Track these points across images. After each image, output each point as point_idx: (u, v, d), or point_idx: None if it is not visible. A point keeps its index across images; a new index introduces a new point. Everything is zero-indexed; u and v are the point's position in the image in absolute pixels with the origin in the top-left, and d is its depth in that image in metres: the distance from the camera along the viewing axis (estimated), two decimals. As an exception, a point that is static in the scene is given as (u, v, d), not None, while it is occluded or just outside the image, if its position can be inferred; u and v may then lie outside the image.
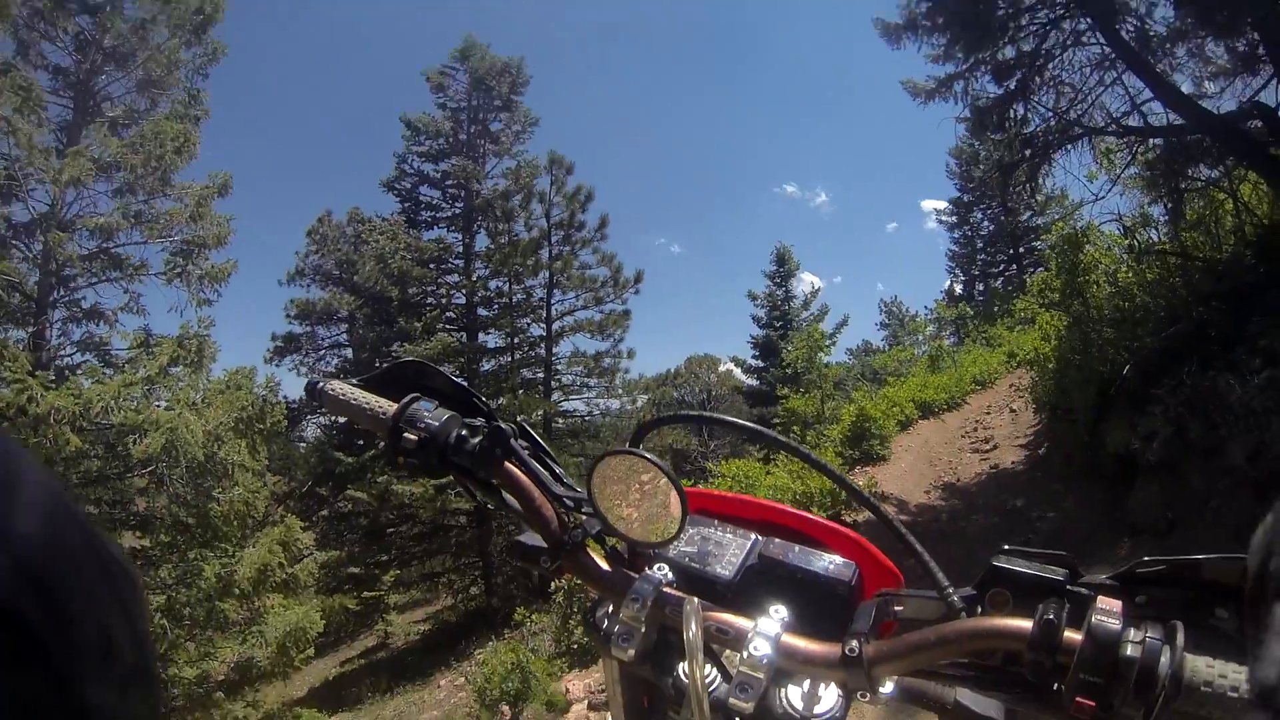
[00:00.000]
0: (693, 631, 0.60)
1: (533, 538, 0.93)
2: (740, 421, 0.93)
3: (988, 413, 13.78)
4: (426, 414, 0.95)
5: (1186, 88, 7.86)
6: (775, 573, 0.90)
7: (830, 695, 0.79)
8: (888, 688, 0.77)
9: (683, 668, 0.75)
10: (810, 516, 0.99)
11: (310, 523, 16.81)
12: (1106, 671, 0.56)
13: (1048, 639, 0.60)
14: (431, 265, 19.16)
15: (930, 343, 22.78)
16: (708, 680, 0.79)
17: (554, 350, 20.18)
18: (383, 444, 0.97)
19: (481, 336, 20.01)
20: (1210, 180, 7.95)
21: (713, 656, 0.84)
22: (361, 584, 16.98)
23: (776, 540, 0.94)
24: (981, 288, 33.94)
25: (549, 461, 0.95)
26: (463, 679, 9.87)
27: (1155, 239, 8.57)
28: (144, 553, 9.25)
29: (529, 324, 20.20)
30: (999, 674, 0.68)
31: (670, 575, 0.85)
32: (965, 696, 0.79)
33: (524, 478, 0.92)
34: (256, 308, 73.09)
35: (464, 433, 0.93)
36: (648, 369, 31.94)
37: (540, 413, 18.50)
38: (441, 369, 1.05)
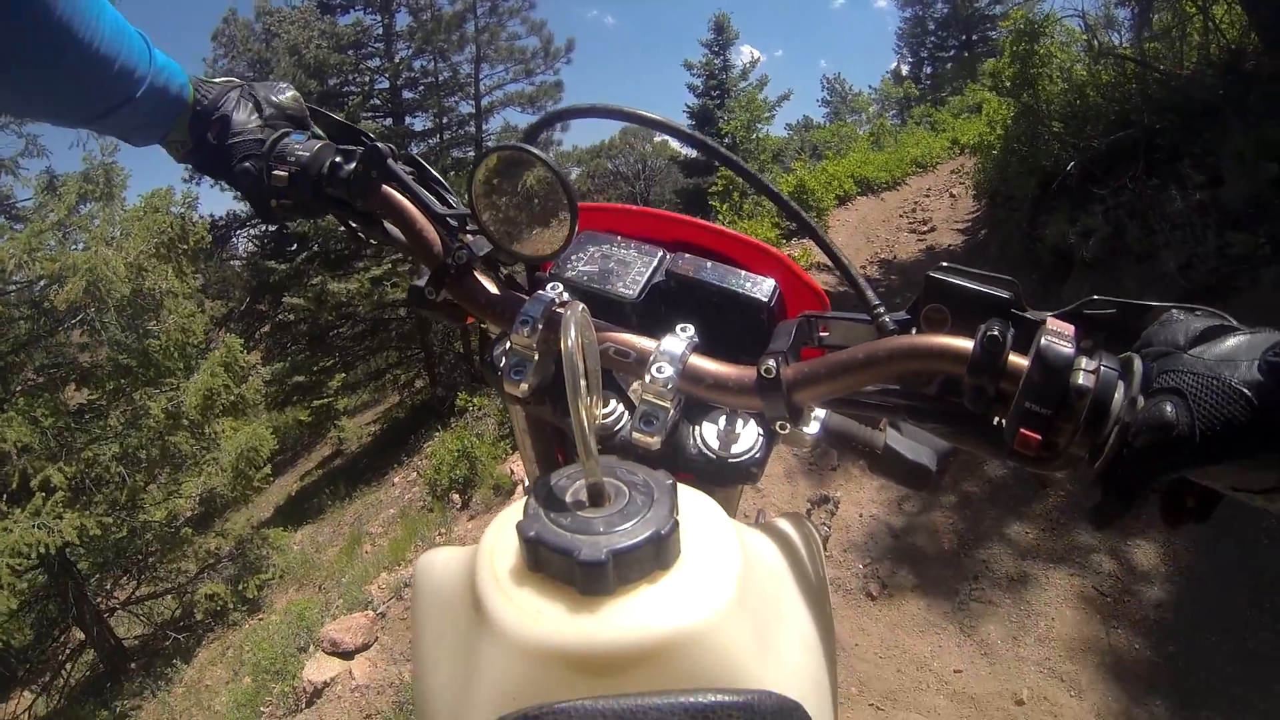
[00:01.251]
0: (571, 339, 0.49)
1: (424, 279, 0.82)
2: (660, 118, 0.79)
3: (927, 195, 13.77)
4: (298, 146, 0.86)
5: None
6: (685, 291, 0.82)
7: (750, 434, 0.73)
8: (812, 427, 0.73)
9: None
10: (728, 231, 0.89)
11: (254, 340, 16.57)
12: (1054, 401, 0.49)
13: (991, 360, 0.52)
14: (350, 51, 17.64)
15: (873, 121, 22.42)
16: (612, 416, 0.73)
17: (484, 127, 19.22)
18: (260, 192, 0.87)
19: (408, 120, 18.90)
20: None
21: (616, 389, 0.78)
22: (310, 393, 16.96)
23: (687, 255, 0.84)
24: (929, 71, 33.34)
25: (435, 186, 0.86)
26: (415, 474, 9.88)
27: (1117, 42, 8.30)
28: (91, 405, 9.04)
29: (457, 102, 19.15)
30: (935, 403, 0.61)
31: (565, 294, 0.73)
32: (896, 441, 0.77)
33: (404, 201, 0.83)
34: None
35: (338, 159, 0.84)
36: (581, 142, 30.92)
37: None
38: (329, 113, 0.96)
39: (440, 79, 18.60)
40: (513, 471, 6.27)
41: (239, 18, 18.73)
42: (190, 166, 0.97)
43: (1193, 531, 3.62)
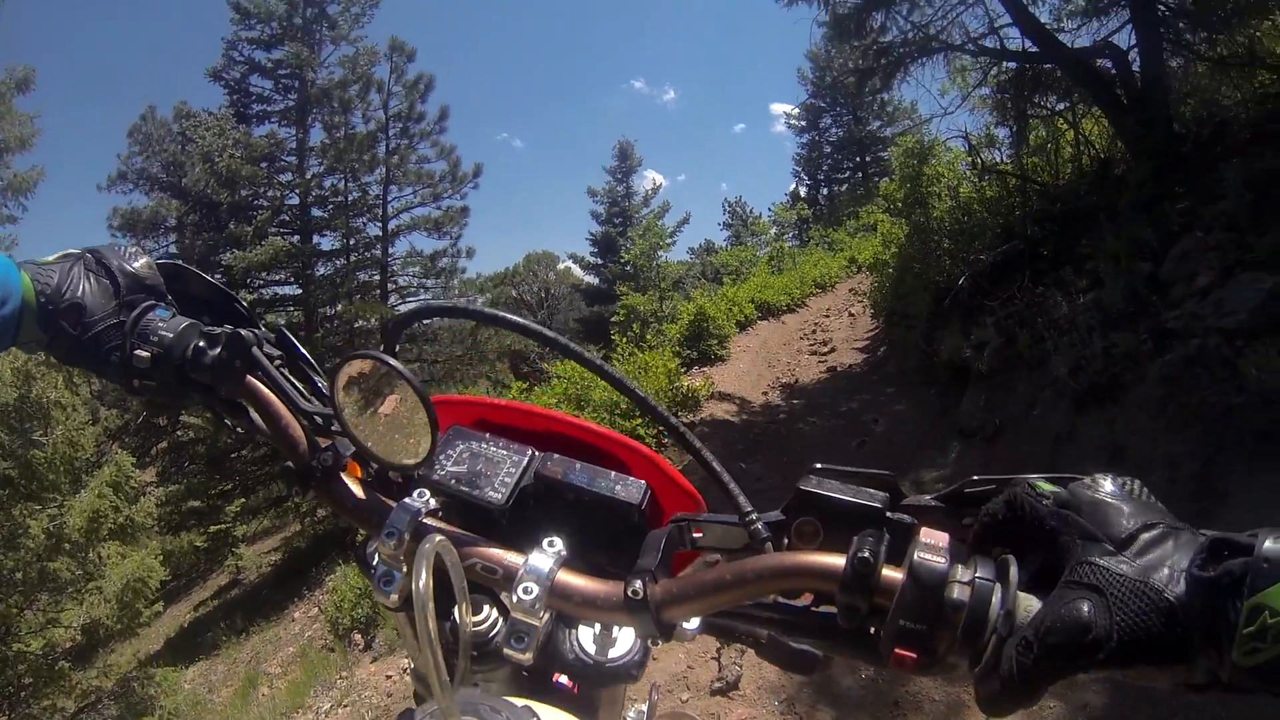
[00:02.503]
0: (422, 582, 0.48)
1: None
2: (503, 315, 0.79)
3: (827, 315, 14.37)
4: (161, 325, 0.82)
5: (1044, 18, 8.15)
6: (554, 494, 0.81)
7: (626, 636, 0.74)
8: (692, 623, 0.70)
9: (455, 614, 0.65)
10: (598, 429, 0.88)
11: (149, 457, 15.88)
12: (930, 616, 0.50)
13: (862, 579, 0.53)
14: (264, 164, 17.57)
15: (772, 245, 23.41)
16: (485, 624, 0.74)
17: (390, 250, 19.29)
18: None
19: (316, 238, 18.70)
20: (1056, 110, 8.34)
21: (492, 597, 0.77)
22: (207, 518, 16.05)
23: (556, 456, 0.83)
24: (826, 192, 35.19)
25: (308, 371, 0.85)
26: (316, 609, 9.54)
27: (998, 159, 9.04)
28: None
29: (365, 223, 19.12)
30: (808, 617, 0.60)
31: (432, 502, 0.74)
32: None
33: (269, 395, 0.81)
34: (72, 219, 64.50)
35: (202, 344, 0.81)
36: (486, 268, 31.21)
37: (376, 317, 17.73)
38: (198, 271, 0.92)
39: (349, 198, 18.66)
40: None
41: (157, 115, 18.69)
42: (55, 359, 0.88)
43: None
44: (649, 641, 0.66)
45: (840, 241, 21.62)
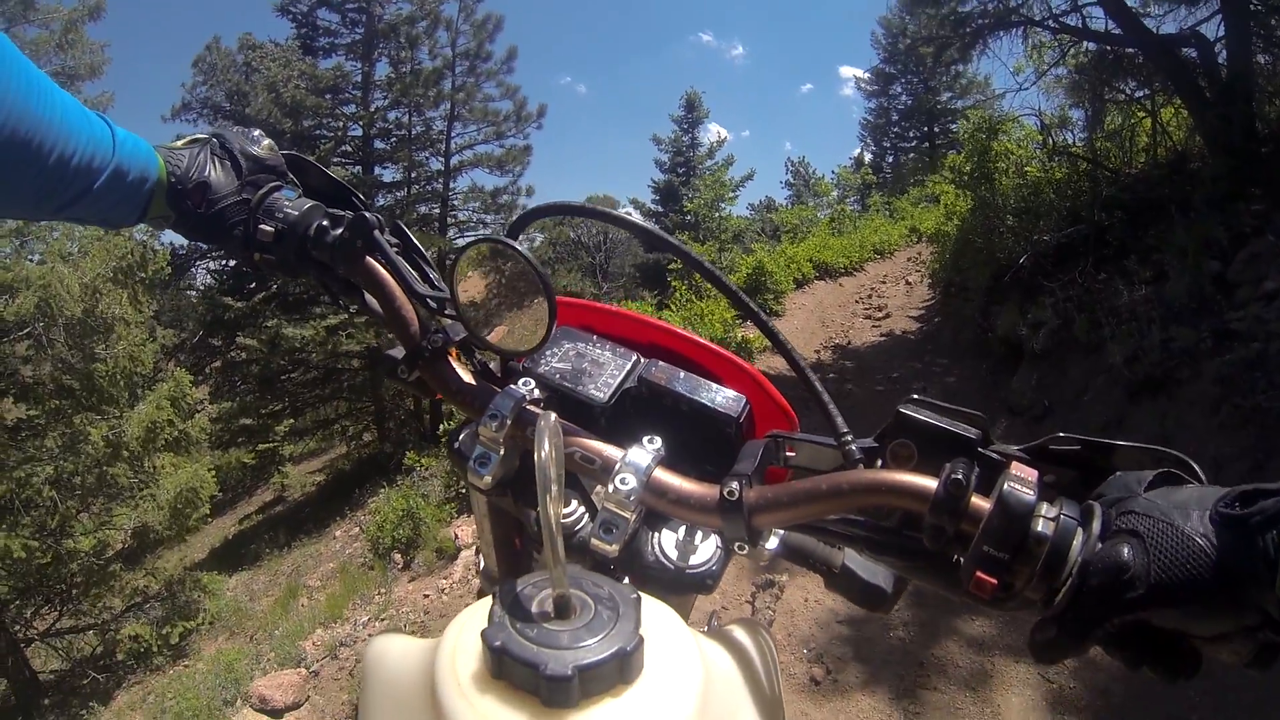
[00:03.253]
0: (545, 451, 0.50)
1: (399, 349, 0.82)
2: (636, 221, 0.84)
3: (883, 282, 14.08)
4: (286, 203, 0.87)
5: (1131, 1, 7.79)
6: (656, 400, 0.84)
7: (708, 546, 0.74)
8: (771, 543, 0.74)
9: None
10: (704, 342, 0.91)
11: (203, 375, 16.24)
12: (1013, 546, 0.50)
13: (953, 502, 0.53)
14: (328, 95, 17.69)
15: (834, 206, 22.98)
16: (572, 517, 0.74)
17: (451, 185, 19.36)
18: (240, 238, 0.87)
19: (377, 170, 18.89)
20: (1134, 97, 8.05)
21: (580, 491, 0.77)
22: (256, 436, 16.54)
23: (661, 364, 0.86)
24: (891, 160, 34.14)
25: (420, 261, 0.86)
26: (357, 529, 9.76)
27: (1070, 141, 8.67)
28: (29, 422, 8.68)
29: (427, 158, 19.22)
30: (893, 537, 0.61)
31: (536, 392, 0.75)
32: (854, 561, 0.77)
33: (386, 275, 0.82)
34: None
35: (325, 223, 0.83)
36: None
37: (435, 250, 17.91)
38: (318, 164, 0.96)
39: (413, 133, 18.75)
40: (456, 536, 6.11)
41: (221, 46, 18.82)
42: (180, 235, 0.93)
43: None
44: (735, 547, 0.66)
45: (901, 210, 21.09)
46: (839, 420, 0.69)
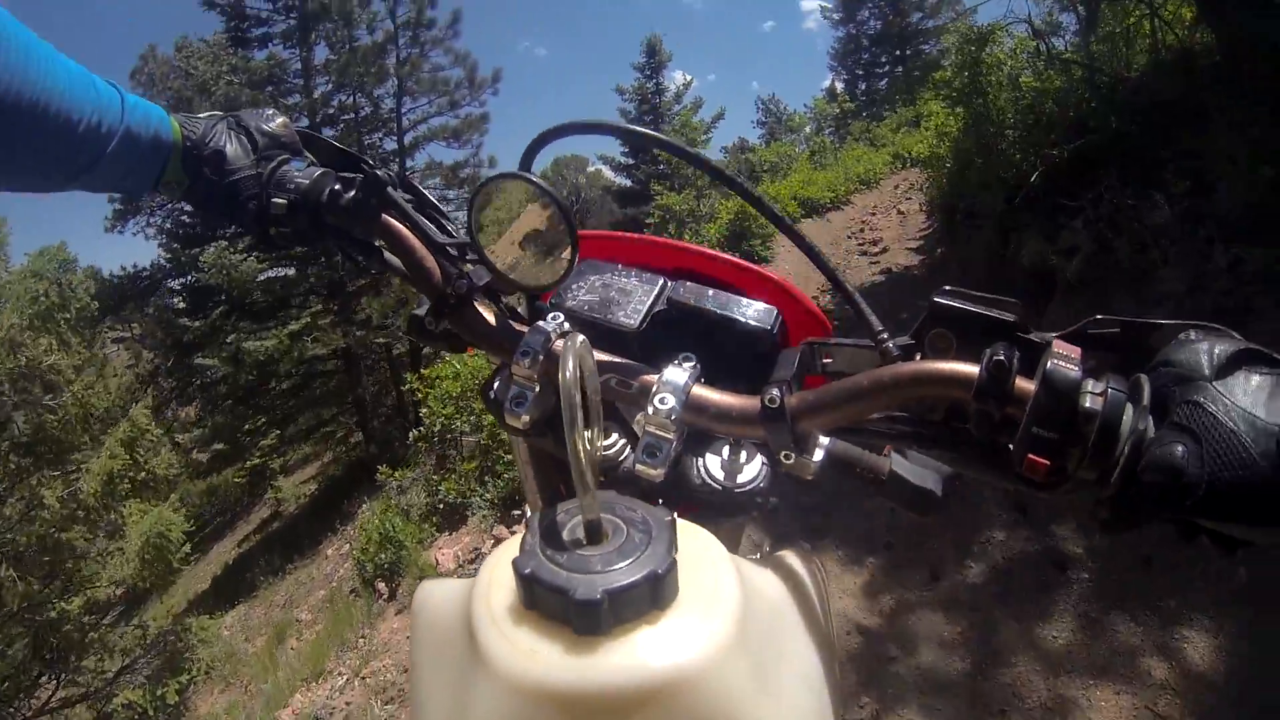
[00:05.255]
0: (569, 370, 0.46)
1: (424, 307, 0.79)
2: (658, 135, 0.76)
3: (874, 213, 13.32)
4: (297, 174, 0.84)
5: None
6: (687, 320, 0.81)
7: (754, 465, 0.72)
8: (817, 455, 0.66)
9: (587, 436, 0.53)
10: (727, 257, 0.89)
11: (188, 395, 15.90)
12: (1062, 425, 0.48)
13: (997, 384, 0.51)
14: (268, 88, 16.71)
15: (811, 140, 22.25)
16: (613, 447, 0.73)
17: (409, 164, 18.60)
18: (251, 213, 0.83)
19: None
20: None
21: (620, 423, 0.75)
22: (244, 452, 16.07)
23: (688, 284, 0.83)
24: (864, 87, 33.55)
25: (436, 215, 0.83)
26: (348, 544, 9.44)
27: (1063, 49, 7.94)
28: None
29: (381, 139, 18.37)
30: (940, 430, 0.59)
31: (566, 325, 0.71)
32: (900, 465, 0.73)
33: (404, 230, 0.81)
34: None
35: (337, 187, 0.82)
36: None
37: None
38: (328, 139, 0.92)
39: (361, 115, 17.91)
40: (438, 561, 5.85)
41: (159, 55, 17.80)
42: (190, 205, 0.93)
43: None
44: (781, 457, 0.63)
45: (882, 137, 20.30)
46: (873, 319, 0.66)
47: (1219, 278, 4.17)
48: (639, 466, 0.62)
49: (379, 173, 0.81)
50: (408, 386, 8.30)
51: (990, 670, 3.13)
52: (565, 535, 0.50)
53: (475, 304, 0.78)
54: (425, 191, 0.84)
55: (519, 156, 0.76)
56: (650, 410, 0.62)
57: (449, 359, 7.04)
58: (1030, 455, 0.48)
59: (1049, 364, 0.49)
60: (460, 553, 5.85)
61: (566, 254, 0.69)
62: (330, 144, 0.92)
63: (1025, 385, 0.51)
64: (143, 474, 8.81)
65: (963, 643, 3.30)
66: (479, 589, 0.49)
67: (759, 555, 0.95)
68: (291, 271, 15.68)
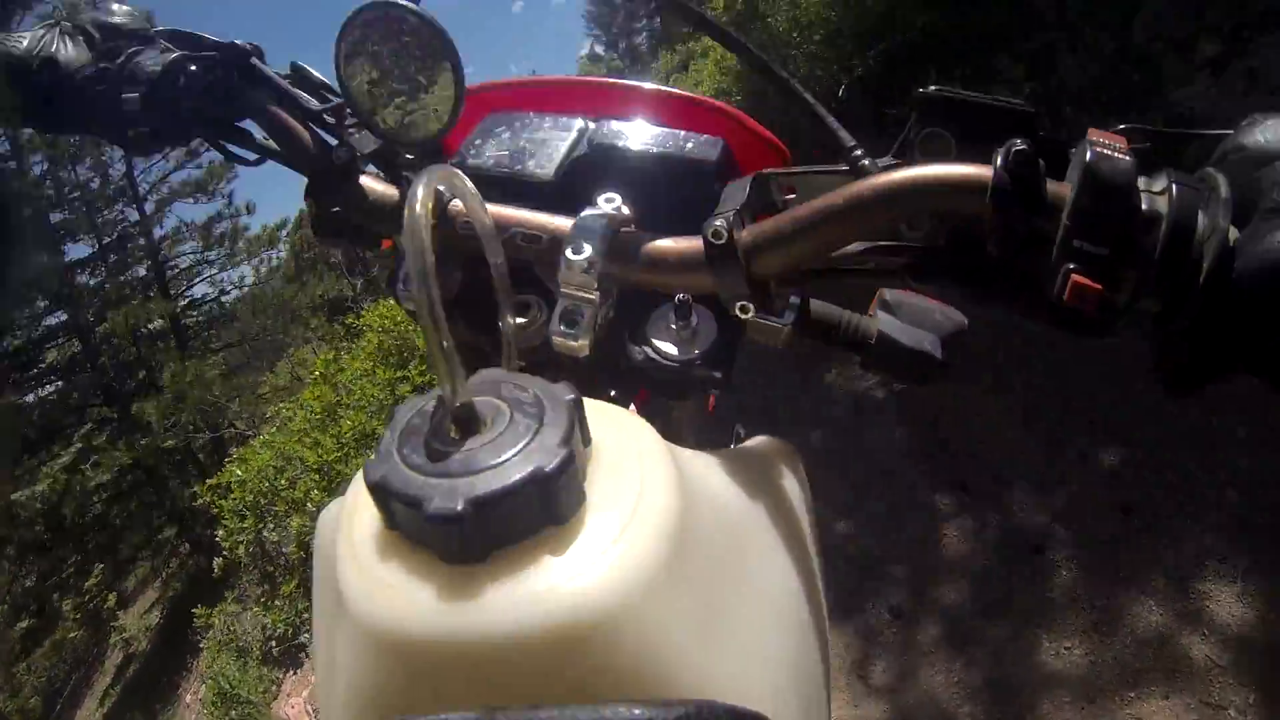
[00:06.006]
0: (417, 204, 0.31)
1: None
2: None
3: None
4: (149, 63, 0.70)
5: None
6: (613, 163, 0.64)
7: (708, 329, 0.56)
8: (786, 317, 0.51)
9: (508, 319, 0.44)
10: (660, 88, 0.73)
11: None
12: (1113, 235, 0.37)
13: (1022, 184, 0.38)
14: (-34, 195, 14.25)
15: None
16: (535, 325, 0.58)
17: (158, 231, 16.22)
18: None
19: (68, 248, 15.26)
20: None
21: (539, 290, 0.60)
22: (67, 598, 14.32)
23: (613, 123, 0.67)
24: (623, 46, 33.87)
25: (318, 89, 0.70)
26: (203, 685, 7.84)
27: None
28: None
29: (121, 210, 15.91)
30: (945, 254, 0.46)
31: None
32: (890, 326, 0.54)
33: (273, 107, 0.67)
34: None
35: (194, 68, 0.68)
36: (271, 218, 26.57)
37: (161, 320, 15.21)
38: (191, 31, 0.76)
39: (91, 188, 15.56)
40: (287, 717, 4.95)
41: None
42: (37, 128, 0.80)
43: None
44: (738, 310, 0.48)
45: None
46: (843, 133, 0.52)
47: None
48: (556, 339, 0.51)
49: (237, 42, 0.69)
50: (199, 501, 6.94)
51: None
52: (429, 428, 0.35)
53: (363, 178, 0.65)
54: (304, 66, 0.71)
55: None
56: (564, 264, 0.50)
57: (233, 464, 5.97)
58: (1075, 277, 0.37)
59: (1089, 154, 0.37)
60: (312, 697, 4.89)
61: (451, 94, 0.58)
62: (193, 33, 0.74)
63: (1059, 188, 0.39)
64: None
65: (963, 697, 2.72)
66: (345, 509, 0.37)
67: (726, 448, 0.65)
68: (60, 384, 13.70)
